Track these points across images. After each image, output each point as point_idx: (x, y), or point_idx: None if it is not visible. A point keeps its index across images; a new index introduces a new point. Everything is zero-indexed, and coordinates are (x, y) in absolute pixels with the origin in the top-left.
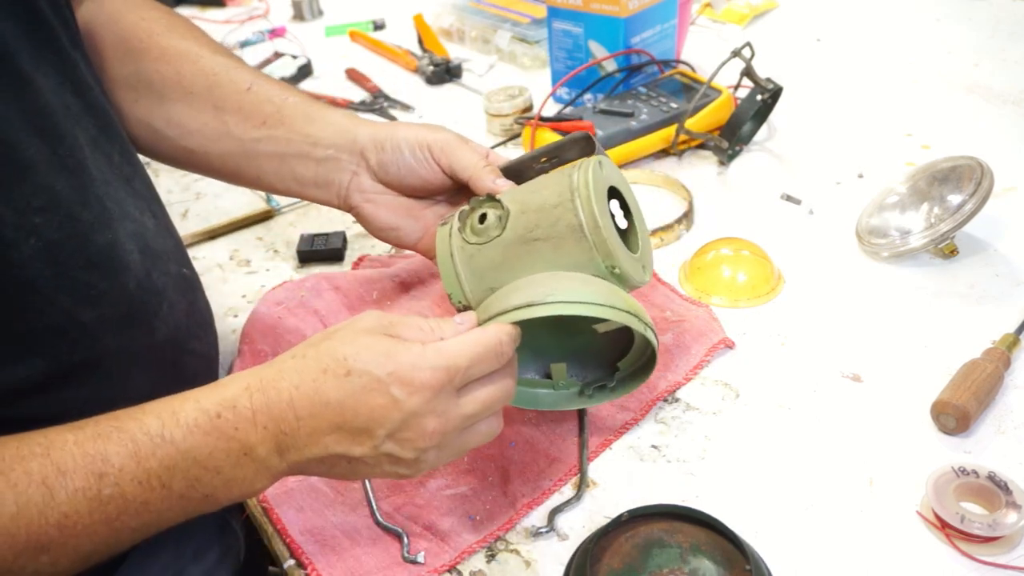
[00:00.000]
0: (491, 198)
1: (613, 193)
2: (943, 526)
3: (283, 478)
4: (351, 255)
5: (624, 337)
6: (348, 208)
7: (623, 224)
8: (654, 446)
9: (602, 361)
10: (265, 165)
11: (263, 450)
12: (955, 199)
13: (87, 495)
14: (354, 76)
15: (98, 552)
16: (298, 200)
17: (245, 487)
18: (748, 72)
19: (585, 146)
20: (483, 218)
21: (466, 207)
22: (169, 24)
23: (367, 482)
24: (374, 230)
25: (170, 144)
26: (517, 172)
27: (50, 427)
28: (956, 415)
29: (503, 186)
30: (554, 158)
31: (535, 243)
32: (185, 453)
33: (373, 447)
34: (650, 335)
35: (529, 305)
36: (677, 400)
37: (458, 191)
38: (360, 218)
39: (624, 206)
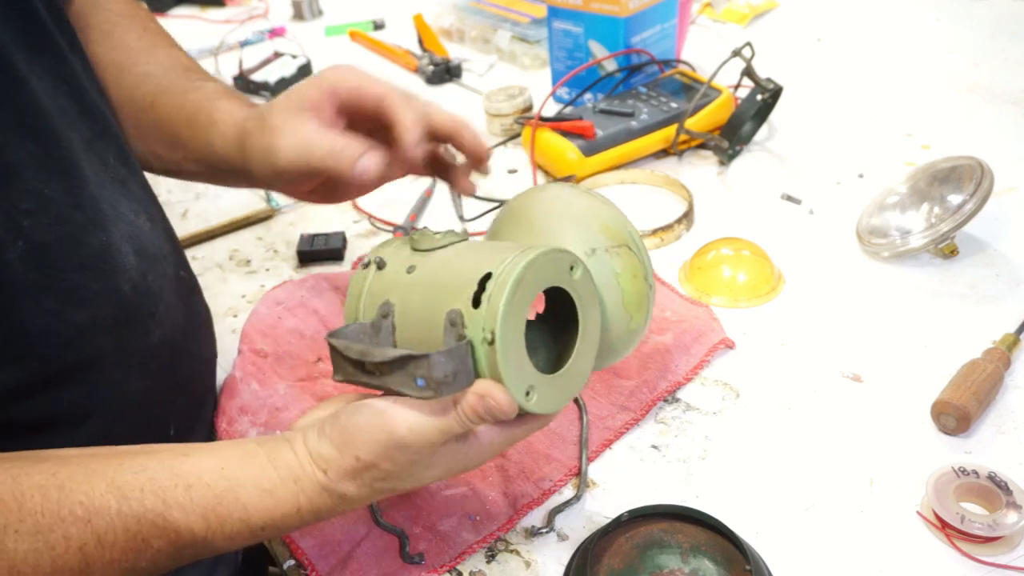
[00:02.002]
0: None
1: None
2: (943, 526)
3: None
4: (351, 255)
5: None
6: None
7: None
8: (654, 446)
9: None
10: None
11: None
12: (955, 199)
13: (122, 567)
14: None
15: None
16: (298, 200)
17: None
18: (748, 72)
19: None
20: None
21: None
22: (107, 30)
23: None
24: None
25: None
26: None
27: (92, 479)
28: (956, 415)
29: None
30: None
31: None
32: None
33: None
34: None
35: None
36: (677, 400)
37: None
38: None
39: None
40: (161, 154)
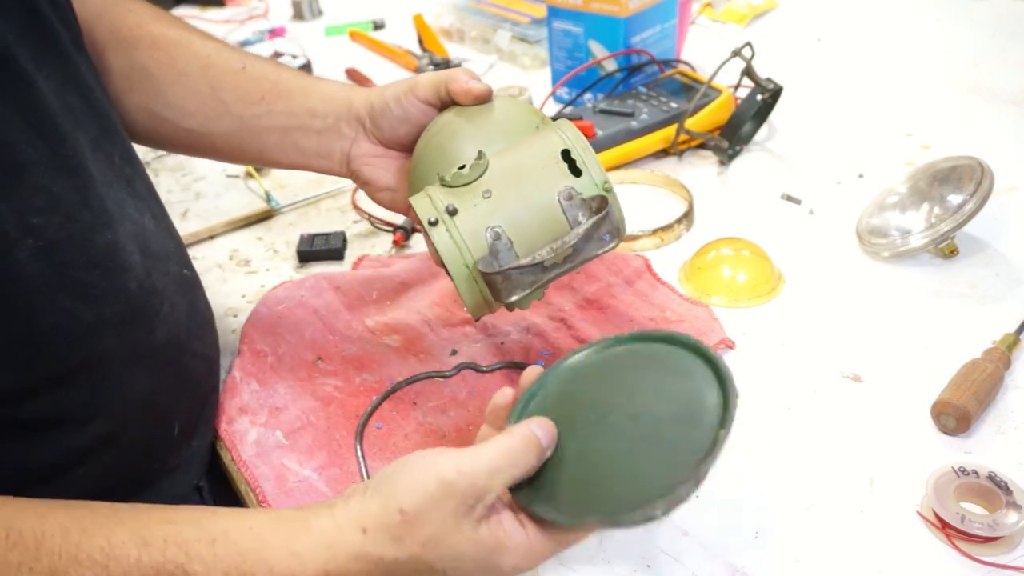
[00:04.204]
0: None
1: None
2: (943, 526)
3: (286, 481)
4: (351, 255)
5: None
6: (350, 173)
7: None
8: None
9: None
10: (267, 140)
11: None
12: (955, 199)
13: None
14: (354, 76)
15: None
16: (298, 200)
17: None
18: (748, 72)
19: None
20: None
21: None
22: (155, 14)
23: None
24: (373, 192)
25: (171, 127)
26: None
27: (116, 527)
28: (956, 415)
29: (478, 85)
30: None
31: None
32: None
33: None
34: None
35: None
36: None
37: None
38: (360, 181)
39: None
40: (240, 112)
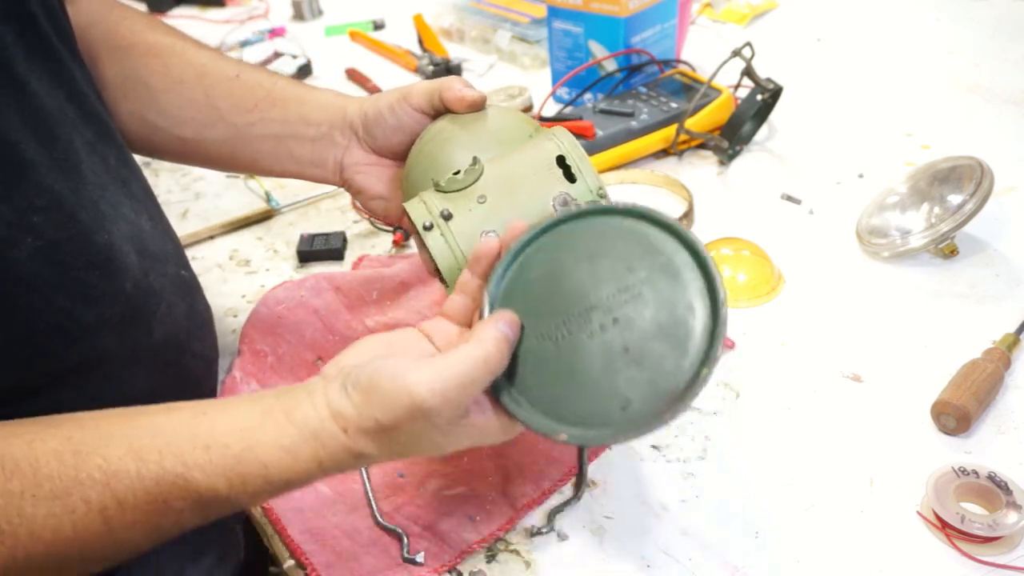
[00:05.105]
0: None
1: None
2: (943, 526)
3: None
4: (351, 255)
5: None
6: (342, 182)
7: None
8: (654, 446)
9: None
10: (261, 148)
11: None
12: (955, 199)
13: (145, 528)
14: (354, 76)
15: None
16: (298, 200)
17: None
18: (748, 72)
19: None
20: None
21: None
22: (149, 22)
23: (367, 482)
24: (365, 200)
25: (164, 135)
26: None
27: (109, 443)
28: (956, 415)
29: (472, 92)
30: None
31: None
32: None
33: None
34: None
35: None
36: None
37: None
38: (353, 190)
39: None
40: (233, 119)
